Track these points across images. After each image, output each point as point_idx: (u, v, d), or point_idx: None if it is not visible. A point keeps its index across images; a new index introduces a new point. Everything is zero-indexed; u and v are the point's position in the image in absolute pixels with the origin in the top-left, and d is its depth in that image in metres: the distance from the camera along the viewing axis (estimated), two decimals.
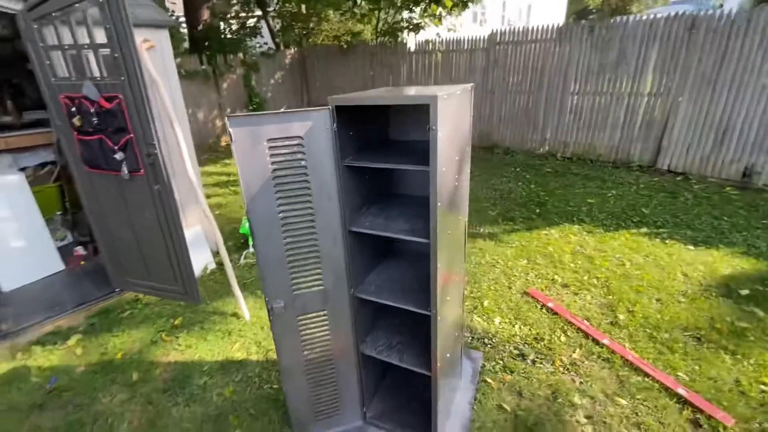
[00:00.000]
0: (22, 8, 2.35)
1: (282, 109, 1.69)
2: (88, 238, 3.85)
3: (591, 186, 5.26)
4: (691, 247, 3.64)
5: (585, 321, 2.77)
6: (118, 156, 2.50)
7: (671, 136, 5.31)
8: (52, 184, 4.04)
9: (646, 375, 2.28)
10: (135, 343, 2.71)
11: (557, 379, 2.30)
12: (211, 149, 8.27)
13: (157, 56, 3.00)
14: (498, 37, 6.52)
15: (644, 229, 4.04)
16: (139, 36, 2.79)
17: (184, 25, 9.00)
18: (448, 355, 1.85)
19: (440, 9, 7.58)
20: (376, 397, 2.16)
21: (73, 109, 2.47)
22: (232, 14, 9.18)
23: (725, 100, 4.83)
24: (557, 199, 4.92)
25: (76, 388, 2.34)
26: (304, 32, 10.28)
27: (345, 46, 8.75)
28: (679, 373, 2.29)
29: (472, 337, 2.66)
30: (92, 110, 2.42)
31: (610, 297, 3.02)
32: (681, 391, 2.15)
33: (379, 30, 8.96)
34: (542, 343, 2.58)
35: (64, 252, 3.71)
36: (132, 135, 2.42)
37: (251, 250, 3.80)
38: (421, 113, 1.57)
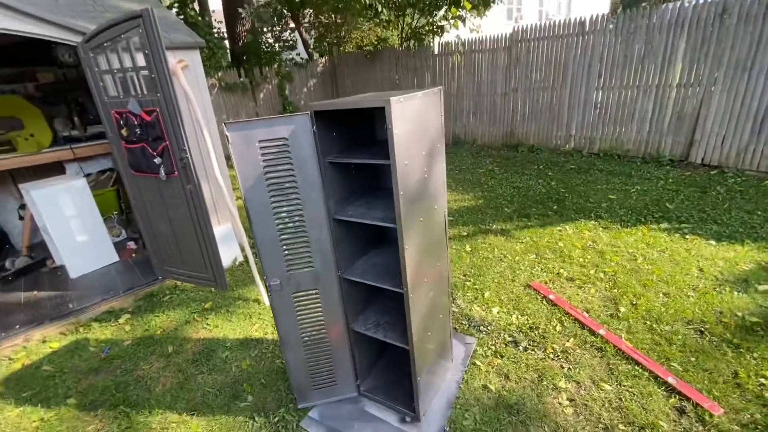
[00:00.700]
0: (82, 40, 2.84)
1: None
2: (138, 235, 4.42)
3: (614, 182, 5.14)
4: (713, 243, 3.51)
5: (584, 313, 2.81)
6: (157, 161, 2.93)
7: (704, 128, 5.06)
8: (110, 188, 4.66)
9: (637, 363, 2.32)
10: (172, 322, 3.12)
11: (546, 365, 2.40)
12: None
13: (190, 73, 3.43)
14: (520, 35, 6.51)
15: (664, 225, 3.93)
16: (176, 57, 3.23)
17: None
18: (429, 333, 2.03)
19: (461, 11, 7.67)
20: (371, 374, 2.38)
21: (121, 122, 2.93)
22: (268, 29, 9.82)
23: (762, 87, 4.55)
24: (577, 195, 4.87)
25: (124, 357, 2.77)
26: (335, 41, 10.74)
27: (367, 56, 9.08)
28: (673, 364, 2.30)
29: (469, 325, 2.81)
30: (136, 122, 2.86)
31: (615, 291, 3.03)
32: (670, 380, 2.18)
33: (404, 35, 9.19)
34: (536, 332, 2.67)
35: (119, 246, 4.28)
36: (168, 142, 2.83)
37: None
38: None
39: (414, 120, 1.61)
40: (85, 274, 3.87)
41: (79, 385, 2.55)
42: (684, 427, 1.93)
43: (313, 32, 11.35)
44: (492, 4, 7.68)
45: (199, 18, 8.59)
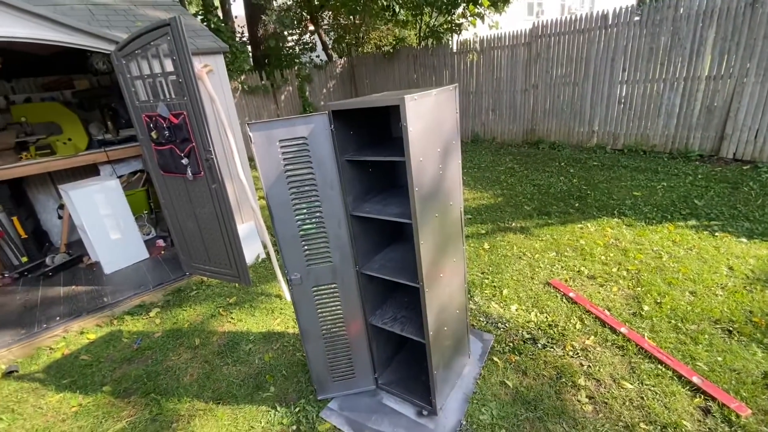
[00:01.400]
0: (115, 48, 3.01)
1: None
2: (166, 233, 4.62)
3: (640, 178, 5.00)
4: (744, 240, 3.38)
5: (605, 311, 2.77)
6: (185, 161, 3.06)
7: (736, 122, 4.85)
8: (141, 189, 4.89)
9: (660, 362, 2.27)
10: (198, 316, 3.26)
11: (565, 362, 2.38)
12: None
13: (215, 77, 3.57)
14: (540, 30, 6.41)
15: (692, 222, 3.81)
16: (201, 62, 3.37)
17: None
18: (445, 328, 2.05)
19: (480, 8, 7.61)
20: (389, 368, 2.42)
21: (151, 125, 3.08)
22: (289, 32, 10.02)
23: None
24: (600, 192, 4.77)
25: (154, 348, 2.92)
26: (354, 42, 10.85)
27: (385, 56, 9.13)
28: (699, 364, 2.24)
29: (487, 321, 2.81)
30: (165, 125, 3.01)
31: (639, 289, 2.96)
32: (695, 379, 2.12)
33: (422, 34, 9.20)
34: (556, 330, 2.65)
35: (149, 244, 4.49)
36: (194, 144, 2.96)
37: None
38: None
39: (429, 117, 1.65)
40: (118, 270, 4.08)
41: (113, 374, 2.71)
42: (709, 427, 1.89)
43: (332, 34, 11.51)
44: (511, 1, 7.59)
45: (222, 24, 8.86)
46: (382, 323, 2.11)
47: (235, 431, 2.16)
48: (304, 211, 1.85)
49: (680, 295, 2.83)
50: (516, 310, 2.90)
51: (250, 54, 10.24)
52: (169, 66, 2.75)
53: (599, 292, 2.99)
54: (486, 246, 3.87)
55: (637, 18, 5.38)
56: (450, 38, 8.37)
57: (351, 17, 10.27)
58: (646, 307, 2.75)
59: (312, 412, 2.21)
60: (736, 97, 4.80)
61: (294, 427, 2.13)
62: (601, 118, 6.10)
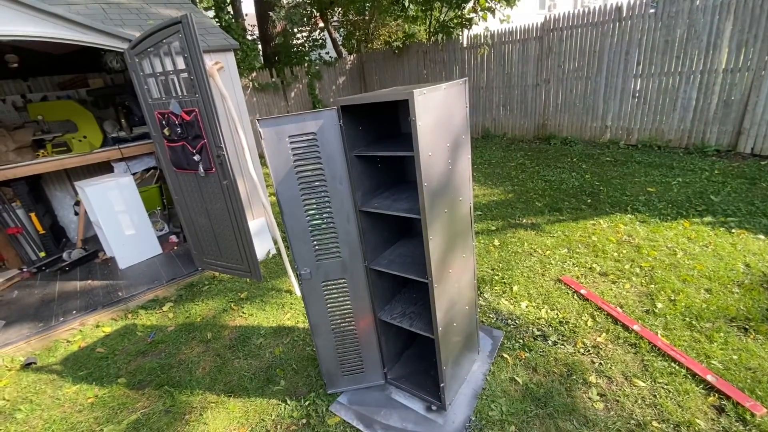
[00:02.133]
0: (128, 47, 3.05)
1: None
2: (179, 229, 4.69)
3: (654, 174, 4.91)
4: (762, 237, 3.30)
5: (618, 308, 2.73)
6: (196, 158, 3.11)
7: (754, 116, 4.72)
8: (154, 185, 4.97)
9: (673, 360, 2.23)
10: (211, 311, 3.31)
11: (576, 359, 2.36)
12: None
13: (226, 75, 3.60)
14: (552, 24, 6.31)
15: (708, 218, 3.73)
16: (212, 59, 3.40)
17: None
18: (454, 324, 2.05)
19: (490, 2, 7.52)
20: (399, 363, 2.43)
21: (164, 122, 3.13)
22: (298, 29, 10.04)
23: None
24: (613, 188, 4.69)
25: (167, 342, 2.98)
26: (363, 38, 10.82)
27: (395, 52, 9.08)
28: (713, 362, 2.20)
29: (497, 318, 2.80)
30: (177, 122, 3.05)
31: (652, 286, 2.91)
32: (710, 377, 2.09)
33: (431, 29, 9.13)
34: (566, 327, 2.62)
35: (162, 240, 4.57)
36: (206, 140, 3.00)
37: None
38: None
39: (438, 112, 1.64)
40: (132, 265, 4.16)
41: (128, 366, 2.77)
42: (723, 426, 1.85)
43: (341, 30, 11.50)
44: None
45: (233, 21, 8.92)
46: (391, 318, 2.12)
47: (246, 424, 2.19)
48: (313, 206, 1.86)
49: (695, 293, 2.78)
50: (526, 306, 2.88)
51: (261, 51, 10.30)
52: (180, 63, 2.79)
53: (611, 289, 2.95)
54: (496, 242, 3.84)
55: (652, 10, 5.26)
56: (460, 33, 8.29)
57: (361, 13, 10.25)
58: (659, 305, 2.70)
59: (322, 406, 2.23)
60: (754, 91, 4.67)
61: (304, 421, 2.15)
62: (615, 113, 5.99)
